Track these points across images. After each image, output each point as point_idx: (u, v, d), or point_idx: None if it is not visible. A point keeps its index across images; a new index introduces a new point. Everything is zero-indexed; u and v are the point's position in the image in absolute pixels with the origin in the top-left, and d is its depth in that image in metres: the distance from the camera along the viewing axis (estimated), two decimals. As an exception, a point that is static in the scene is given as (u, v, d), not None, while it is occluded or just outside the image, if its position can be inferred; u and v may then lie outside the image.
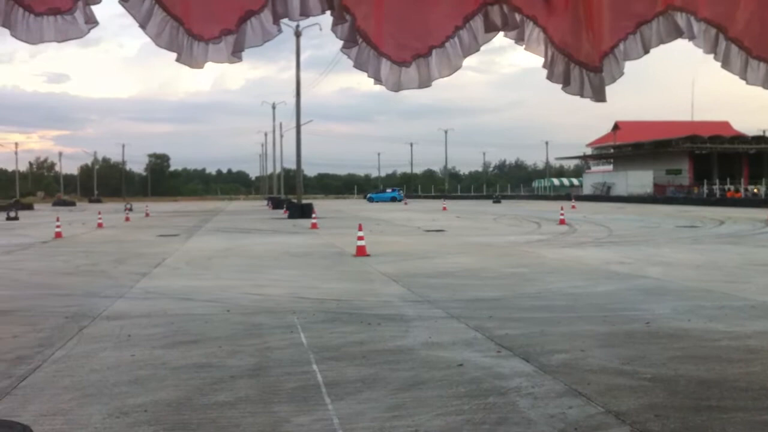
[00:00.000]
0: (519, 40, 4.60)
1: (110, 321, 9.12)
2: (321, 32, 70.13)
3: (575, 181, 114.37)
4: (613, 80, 4.72)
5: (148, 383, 6.16)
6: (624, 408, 5.33)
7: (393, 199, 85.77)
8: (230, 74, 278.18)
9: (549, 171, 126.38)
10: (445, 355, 7.07)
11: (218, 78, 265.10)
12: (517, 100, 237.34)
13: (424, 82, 4.60)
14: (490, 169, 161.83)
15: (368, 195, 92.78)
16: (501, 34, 4.53)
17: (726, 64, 4.84)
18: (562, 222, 30.81)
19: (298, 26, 45.52)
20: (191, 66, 4.34)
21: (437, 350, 7.31)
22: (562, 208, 34.89)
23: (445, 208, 52.44)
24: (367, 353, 7.20)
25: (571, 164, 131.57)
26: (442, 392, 5.80)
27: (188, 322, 9.02)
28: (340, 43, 4.39)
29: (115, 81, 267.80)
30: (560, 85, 4.69)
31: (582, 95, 4.66)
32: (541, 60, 4.74)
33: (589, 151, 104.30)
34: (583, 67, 4.61)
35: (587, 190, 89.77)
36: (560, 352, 7.19)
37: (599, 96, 4.67)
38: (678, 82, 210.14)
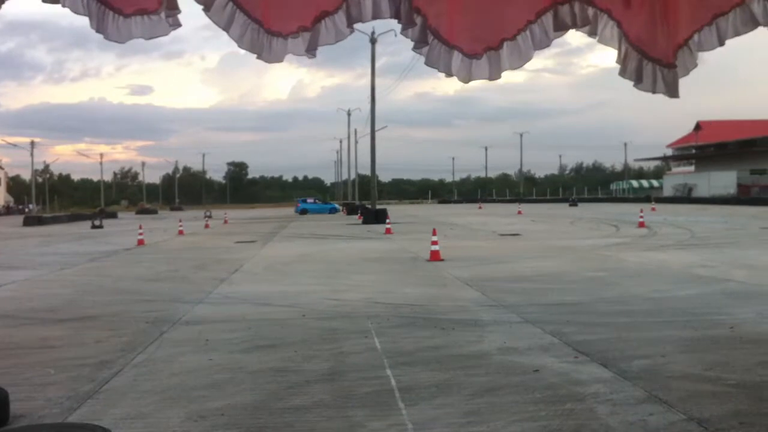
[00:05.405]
0: (592, 33, 4.57)
1: (190, 326, 9.33)
2: (396, 38, 70.61)
3: (655, 183, 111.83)
4: (687, 72, 4.62)
5: (225, 387, 6.27)
6: (707, 415, 5.15)
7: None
8: (307, 82, 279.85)
9: (628, 173, 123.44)
10: (521, 361, 6.97)
11: (296, 86, 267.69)
12: (596, 101, 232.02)
13: (495, 74, 4.65)
14: (567, 171, 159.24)
15: None
16: (573, 30, 4.53)
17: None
18: (641, 225, 30.07)
19: (373, 33, 46.02)
20: (271, 61, 4.55)
21: (513, 355, 7.22)
22: (641, 211, 34.10)
23: (520, 212, 51.88)
24: (441, 358, 7.17)
25: (651, 166, 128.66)
26: (518, 398, 5.72)
27: (265, 326, 9.16)
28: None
29: (196, 92, 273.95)
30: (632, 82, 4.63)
31: (654, 91, 4.58)
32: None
33: (669, 152, 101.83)
34: (656, 63, 4.52)
35: (668, 192, 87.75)
36: (640, 357, 7.01)
37: (672, 92, 4.58)
38: (762, 78, 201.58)
